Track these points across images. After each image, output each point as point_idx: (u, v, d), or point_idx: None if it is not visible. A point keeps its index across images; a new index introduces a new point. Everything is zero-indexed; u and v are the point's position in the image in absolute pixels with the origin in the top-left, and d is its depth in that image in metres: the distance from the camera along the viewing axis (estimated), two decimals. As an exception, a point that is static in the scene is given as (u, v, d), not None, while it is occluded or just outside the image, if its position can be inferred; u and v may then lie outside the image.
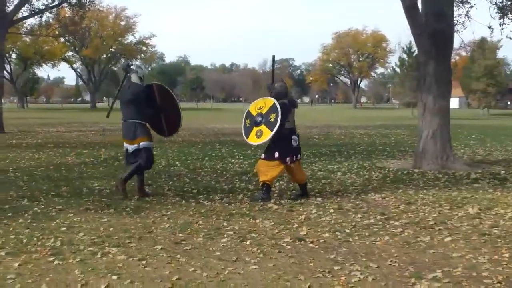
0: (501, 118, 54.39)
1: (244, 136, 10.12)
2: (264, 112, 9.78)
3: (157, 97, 10.33)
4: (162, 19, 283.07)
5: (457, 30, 16.08)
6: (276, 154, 9.75)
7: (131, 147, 10.08)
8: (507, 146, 21.10)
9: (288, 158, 9.79)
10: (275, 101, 9.74)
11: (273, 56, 11.45)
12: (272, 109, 9.67)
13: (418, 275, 5.58)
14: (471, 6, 16.67)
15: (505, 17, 16.21)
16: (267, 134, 9.62)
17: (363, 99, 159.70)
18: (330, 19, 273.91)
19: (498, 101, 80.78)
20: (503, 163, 15.55)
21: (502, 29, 16.34)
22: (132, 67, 10.31)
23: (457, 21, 15.98)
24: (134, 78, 10.19)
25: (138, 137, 9.98)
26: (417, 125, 15.18)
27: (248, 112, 10.13)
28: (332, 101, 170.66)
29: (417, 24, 14.17)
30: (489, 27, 16.12)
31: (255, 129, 9.84)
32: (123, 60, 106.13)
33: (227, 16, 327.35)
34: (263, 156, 9.97)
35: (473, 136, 26.72)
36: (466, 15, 16.50)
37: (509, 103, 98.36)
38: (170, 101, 10.44)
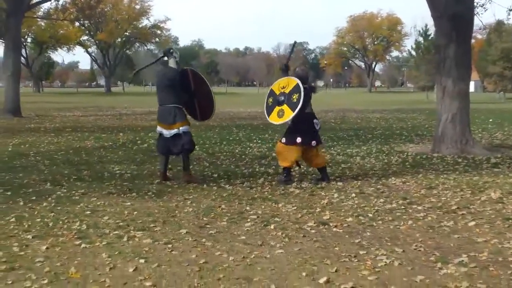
0: (518, 102, 54.03)
1: (266, 115, 10.16)
2: (287, 91, 9.76)
3: (191, 82, 10.33)
4: (177, 2, 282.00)
5: (477, 13, 15.98)
6: (299, 139, 9.75)
7: (170, 132, 9.96)
8: (526, 131, 20.96)
9: (313, 142, 9.86)
10: (298, 81, 9.71)
11: (294, 42, 11.50)
12: (295, 89, 9.65)
13: (444, 259, 5.58)
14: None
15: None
16: (289, 114, 9.61)
17: (378, 83, 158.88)
18: (345, 2, 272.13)
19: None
20: (523, 147, 15.47)
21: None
22: (172, 52, 10.27)
23: (477, 4, 15.87)
24: (172, 63, 10.14)
25: (177, 121, 9.90)
26: (433, 109, 15.13)
27: (271, 90, 10.14)
28: (347, 85, 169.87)
29: (438, 6, 14.07)
30: (511, 10, 15.98)
31: (277, 108, 9.84)
32: (137, 44, 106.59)
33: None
34: (283, 140, 9.93)
35: (490, 120, 26.56)
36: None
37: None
38: (204, 87, 10.41)
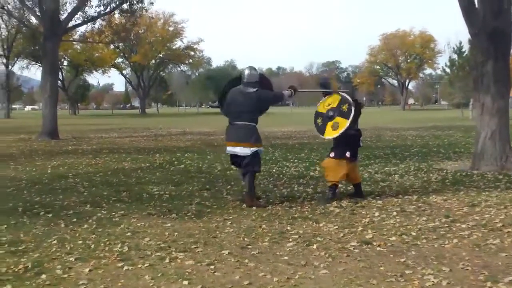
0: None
1: (320, 134, 10.29)
2: (335, 106, 9.92)
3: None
4: (209, 23, 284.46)
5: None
6: (348, 154, 9.90)
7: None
8: None
9: (358, 157, 10.33)
10: (342, 94, 9.96)
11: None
12: (342, 101, 9.85)
13: (493, 278, 5.46)
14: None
15: None
16: (344, 123, 9.70)
17: (411, 101, 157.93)
18: (378, 21, 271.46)
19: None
20: None
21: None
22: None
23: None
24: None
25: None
26: (468, 126, 14.98)
27: (317, 112, 10.27)
28: (380, 103, 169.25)
29: (475, 23, 13.94)
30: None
31: (330, 123, 9.96)
32: (170, 65, 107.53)
33: (273, 19, 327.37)
34: (332, 154, 10.04)
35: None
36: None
37: None
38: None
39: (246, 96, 9.68)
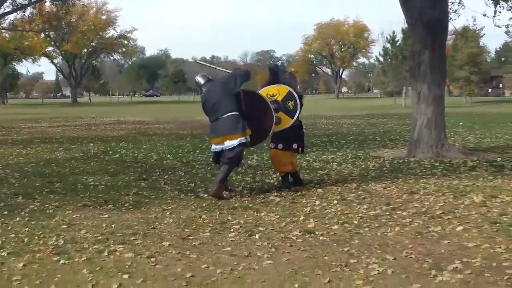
0: (484, 105, 54.58)
1: None
2: (279, 99, 9.71)
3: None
4: (143, 12, 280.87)
5: (450, 18, 16.00)
6: (295, 145, 9.83)
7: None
8: (496, 133, 21.06)
9: (303, 149, 10.16)
10: (290, 89, 9.75)
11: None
12: (288, 96, 9.68)
13: (437, 266, 5.43)
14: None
15: (498, 4, 16.15)
16: (287, 121, 9.61)
17: (344, 89, 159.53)
18: (312, 10, 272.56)
19: (481, 89, 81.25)
20: (497, 150, 15.51)
21: (494, 16, 16.29)
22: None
23: (450, 9, 15.89)
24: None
25: None
26: (402, 113, 15.18)
27: None
28: (314, 91, 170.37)
29: (412, 13, 14.05)
30: (484, 15, 16.08)
31: None
32: (103, 54, 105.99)
33: (207, 7, 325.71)
34: (280, 146, 9.81)
35: (460, 124, 26.70)
36: (459, 2, 16.43)
37: (490, 90, 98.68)
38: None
39: (214, 89, 9.53)
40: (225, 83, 9.59)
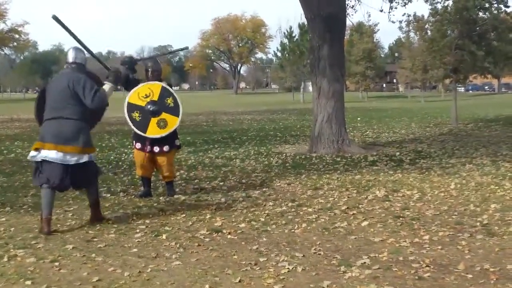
0: (379, 100, 56.25)
1: (141, 133, 8.60)
2: (156, 98, 8.59)
3: None
4: (35, 5, 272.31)
5: (348, 14, 16.28)
6: (177, 142, 9.12)
7: None
8: (393, 128, 21.70)
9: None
10: (162, 84, 8.80)
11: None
12: (164, 93, 8.66)
13: (346, 262, 5.47)
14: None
15: (393, 1, 16.60)
16: (174, 121, 8.65)
17: (243, 85, 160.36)
18: (209, 4, 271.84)
19: (376, 84, 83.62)
20: (395, 144, 15.95)
21: (389, 12, 16.73)
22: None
23: (348, 5, 16.18)
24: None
25: None
26: (301, 109, 15.39)
27: (131, 104, 8.63)
28: (212, 87, 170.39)
29: (311, 7, 14.19)
30: (381, 11, 16.46)
31: (154, 119, 8.54)
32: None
33: (103, 2, 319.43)
34: (166, 148, 8.85)
35: (359, 119, 27.33)
36: (356, -2, 16.76)
37: (384, 85, 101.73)
38: None
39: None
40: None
